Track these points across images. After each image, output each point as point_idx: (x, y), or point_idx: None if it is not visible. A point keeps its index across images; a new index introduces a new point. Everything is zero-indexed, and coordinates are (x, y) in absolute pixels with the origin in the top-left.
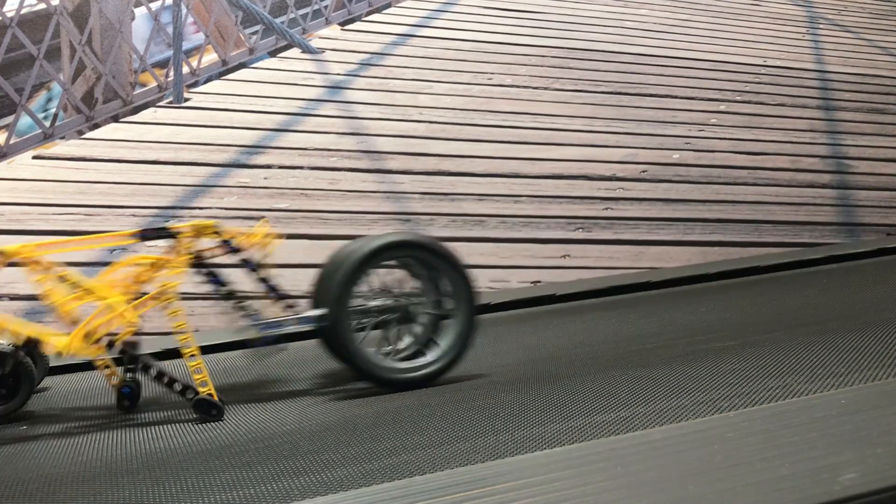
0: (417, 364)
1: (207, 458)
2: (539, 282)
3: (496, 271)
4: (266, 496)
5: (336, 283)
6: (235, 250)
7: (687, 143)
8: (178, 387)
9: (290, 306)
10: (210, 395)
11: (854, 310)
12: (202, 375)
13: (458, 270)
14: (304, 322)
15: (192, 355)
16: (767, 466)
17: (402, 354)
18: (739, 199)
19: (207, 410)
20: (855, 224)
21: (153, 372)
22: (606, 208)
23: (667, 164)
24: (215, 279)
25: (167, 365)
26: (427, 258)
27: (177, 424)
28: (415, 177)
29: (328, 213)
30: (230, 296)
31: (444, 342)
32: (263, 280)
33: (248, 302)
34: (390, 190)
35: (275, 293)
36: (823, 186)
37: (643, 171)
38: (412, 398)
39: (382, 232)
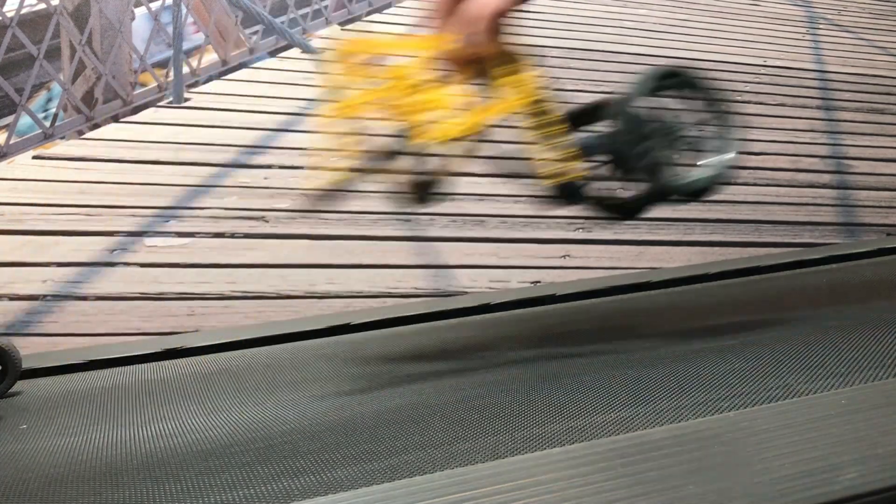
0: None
1: (207, 458)
2: (539, 282)
3: (496, 271)
4: (266, 496)
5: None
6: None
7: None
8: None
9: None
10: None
11: (854, 310)
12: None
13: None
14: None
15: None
16: (767, 466)
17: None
18: (739, 200)
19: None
20: (855, 224)
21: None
22: None
23: None
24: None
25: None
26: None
27: (177, 424)
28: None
29: (328, 213)
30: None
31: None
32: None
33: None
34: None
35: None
36: (823, 186)
37: None
38: (412, 398)
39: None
